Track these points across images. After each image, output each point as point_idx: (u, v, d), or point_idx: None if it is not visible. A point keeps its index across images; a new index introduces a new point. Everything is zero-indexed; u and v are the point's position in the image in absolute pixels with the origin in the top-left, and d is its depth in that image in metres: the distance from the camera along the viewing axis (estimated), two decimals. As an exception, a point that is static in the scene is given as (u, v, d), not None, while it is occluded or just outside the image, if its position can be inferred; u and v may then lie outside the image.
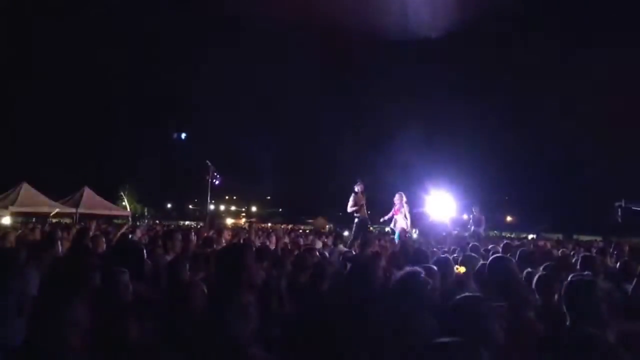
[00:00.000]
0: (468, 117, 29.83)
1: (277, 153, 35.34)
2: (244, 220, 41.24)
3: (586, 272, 2.99)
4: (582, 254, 3.95)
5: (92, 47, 29.93)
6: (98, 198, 17.71)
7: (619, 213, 12.09)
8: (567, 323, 2.15)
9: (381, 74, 32.15)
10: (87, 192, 16.89)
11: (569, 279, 2.33)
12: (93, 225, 7.27)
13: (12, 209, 13.93)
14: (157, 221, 31.86)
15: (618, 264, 3.80)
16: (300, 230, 21.67)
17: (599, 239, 18.40)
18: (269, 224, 34.74)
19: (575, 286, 2.23)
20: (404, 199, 8.47)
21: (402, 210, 8.36)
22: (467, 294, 2.42)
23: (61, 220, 20.01)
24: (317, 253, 4.85)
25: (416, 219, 9.11)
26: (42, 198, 15.41)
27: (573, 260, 4.25)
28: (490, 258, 3.35)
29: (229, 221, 35.76)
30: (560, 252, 6.07)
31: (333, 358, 2.21)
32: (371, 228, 8.98)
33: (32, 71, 29.83)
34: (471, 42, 27.80)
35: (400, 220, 8.35)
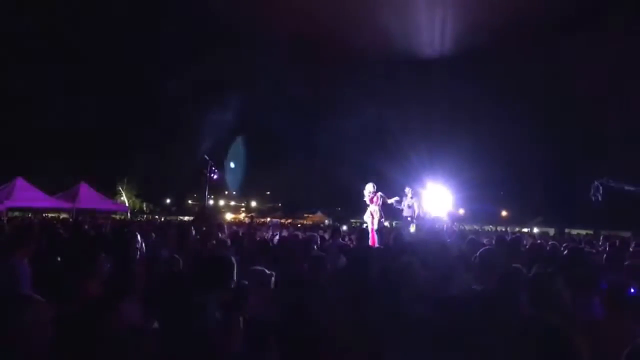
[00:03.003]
0: (464, 112, 29.89)
1: (277, 150, 35.39)
2: (243, 215, 41.31)
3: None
4: (570, 246, 4.03)
5: (93, 43, 29.72)
6: (95, 193, 17.65)
7: (600, 191, 11.55)
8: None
9: (382, 74, 32.11)
10: (84, 187, 16.82)
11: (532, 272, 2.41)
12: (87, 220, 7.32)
13: (7, 203, 13.86)
14: (157, 216, 31.90)
15: (605, 256, 3.88)
16: (299, 225, 21.77)
17: (590, 232, 18.50)
18: (268, 219, 34.80)
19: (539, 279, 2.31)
20: (375, 188, 8.58)
21: (376, 200, 8.46)
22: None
23: (58, 216, 20.03)
24: (316, 246, 4.91)
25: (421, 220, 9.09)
26: (38, 193, 15.34)
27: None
28: (480, 250, 3.44)
29: (229, 216, 35.82)
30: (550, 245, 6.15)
31: (331, 349, 2.26)
32: (413, 226, 9.03)
33: (30, 65, 29.61)
34: (471, 46, 27.80)
35: (376, 210, 8.43)
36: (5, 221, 10.42)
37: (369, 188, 8.59)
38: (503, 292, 2.43)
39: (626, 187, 11.42)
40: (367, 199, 8.54)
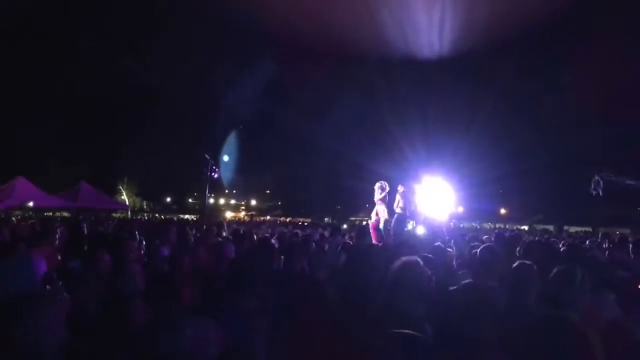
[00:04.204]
0: (463, 111, 29.88)
1: (277, 147, 35.44)
2: (243, 213, 41.40)
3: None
4: (567, 243, 4.04)
5: (93, 42, 29.64)
6: (96, 192, 17.68)
7: (600, 186, 11.03)
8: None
9: (382, 74, 31.98)
10: (85, 186, 16.85)
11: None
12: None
13: (8, 203, 13.90)
14: (157, 214, 31.97)
15: (607, 253, 3.88)
16: (299, 223, 21.82)
17: (589, 229, 18.51)
18: (268, 217, 34.88)
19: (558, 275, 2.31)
20: (388, 188, 8.56)
21: (385, 199, 8.47)
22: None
23: (58, 214, 20.07)
24: (314, 244, 4.93)
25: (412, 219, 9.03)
26: (39, 192, 15.37)
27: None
28: (481, 247, 3.45)
29: (229, 214, 35.88)
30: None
31: (330, 346, 2.28)
32: (411, 224, 8.98)
33: (30, 64, 29.59)
34: (473, 44, 27.72)
35: (381, 209, 8.43)
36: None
37: (377, 186, 8.57)
38: (515, 289, 2.41)
39: (627, 182, 11.11)
40: (376, 197, 8.52)
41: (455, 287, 2.68)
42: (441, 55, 26.00)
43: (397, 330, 1.32)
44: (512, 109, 32.35)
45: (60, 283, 2.38)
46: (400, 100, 31.07)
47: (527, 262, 2.67)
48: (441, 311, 2.35)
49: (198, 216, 19.09)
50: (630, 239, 6.36)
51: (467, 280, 2.99)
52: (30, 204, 14.82)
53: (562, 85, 29.80)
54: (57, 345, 1.50)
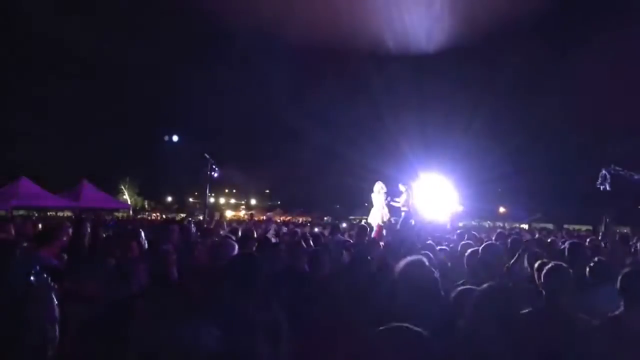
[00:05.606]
0: (462, 107, 29.84)
1: (277, 146, 35.51)
2: (243, 212, 41.43)
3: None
4: (569, 242, 4.06)
5: (91, 42, 29.68)
6: (98, 191, 17.73)
7: (608, 180, 10.67)
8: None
9: (379, 70, 31.93)
10: (87, 186, 16.91)
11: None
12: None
13: (13, 202, 13.97)
14: (158, 214, 32.06)
15: (610, 252, 3.87)
16: (299, 221, 21.83)
17: (589, 228, 18.47)
18: (268, 214, 34.84)
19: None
20: (384, 189, 8.57)
21: (383, 200, 8.48)
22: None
23: (59, 214, 20.11)
24: (313, 243, 4.95)
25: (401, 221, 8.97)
26: (42, 192, 15.44)
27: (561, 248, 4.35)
28: (483, 245, 3.47)
29: (229, 213, 35.91)
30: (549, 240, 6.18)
31: (332, 344, 2.29)
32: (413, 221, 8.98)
33: (31, 65, 29.70)
34: (472, 40, 27.66)
35: (379, 210, 8.44)
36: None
37: (377, 187, 8.59)
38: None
39: (636, 177, 10.86)
40: (375, 197, 8.54)
41: (469, 287, 2.66)
42: (440, 52, 25.96)
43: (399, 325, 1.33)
44: (511, 107, 32.33)
45: (54, 283, 2.41)
46: (399, 97, 31.13)
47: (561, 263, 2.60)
48: (450, 312, 2.32)
49: (186, 215, 19.18)
50: (632, 238, 6.37)
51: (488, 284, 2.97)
52: (34, 204, 14.85)
53: (562, 83, 29.73)
54: (50, 343, 1.51)
